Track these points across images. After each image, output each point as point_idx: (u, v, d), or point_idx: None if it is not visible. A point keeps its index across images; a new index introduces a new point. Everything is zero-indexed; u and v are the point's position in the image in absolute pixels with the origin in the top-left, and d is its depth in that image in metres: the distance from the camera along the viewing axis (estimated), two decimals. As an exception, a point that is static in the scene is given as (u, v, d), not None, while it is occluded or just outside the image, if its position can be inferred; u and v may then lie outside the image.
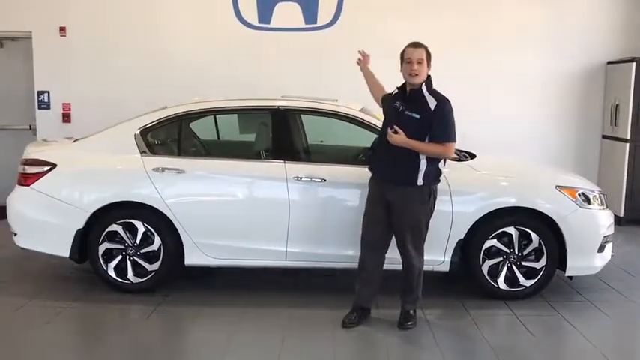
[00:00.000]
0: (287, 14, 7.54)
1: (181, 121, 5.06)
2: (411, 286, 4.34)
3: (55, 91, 7.70)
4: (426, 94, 4.15)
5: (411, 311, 4.37)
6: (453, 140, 4.17)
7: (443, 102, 4.13)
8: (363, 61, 4.79)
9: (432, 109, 4.10)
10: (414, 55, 4.12)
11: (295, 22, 7.56)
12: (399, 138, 4.07)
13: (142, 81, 7.57)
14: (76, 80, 7.69)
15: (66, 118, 7.72)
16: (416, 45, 4.18)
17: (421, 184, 4.16)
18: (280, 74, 7.40)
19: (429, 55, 4.17)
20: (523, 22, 7.56)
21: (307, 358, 3.91)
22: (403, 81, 4.27)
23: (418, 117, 4.09)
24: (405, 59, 4.17)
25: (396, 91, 4.31)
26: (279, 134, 4.97)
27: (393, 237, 4.32)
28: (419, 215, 4.23)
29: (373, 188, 4.30)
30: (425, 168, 4.15)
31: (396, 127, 4.08)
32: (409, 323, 4.31)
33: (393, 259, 4.37)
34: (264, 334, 4.22)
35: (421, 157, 4.14)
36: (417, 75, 4.10)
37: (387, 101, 4.35)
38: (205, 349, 4.06)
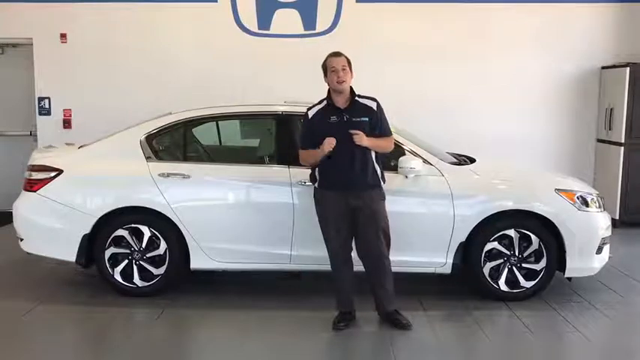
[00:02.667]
0: (286, 21, 7.63)
1: (186, 127, 5.14)
2: (391, 286, 4.39)
3: (55, 97, 7.77)
4: (361, 99, 4.32)
5: (397, 309, 4.44)
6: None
7: (377, 100, 4.34)
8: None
9: (375, 109, 4.30)
10: (337, 63, 4.24)
11: (294, 29, 7.66)
12: (365, 138, 4.16)
13: (142, 87, 7.64)
14: (76, 86, 7.75)
15: (66, 124, 7.79)
16: (336, 54, 4.32)
17: (382, 184, 4.37)
18: (280, 80, 7.48)
19: (349, 62, 4.30)
20: (520, 28, 7.68)
21: (315, 360, 3.99)
22: (329, 91, 4.33)
23: (367, 119, 4.26)
24: (329, 69, 4.26)
25: (321, 105, 4.34)
26: (283, 139, 5.05)
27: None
28: (385, 214, 4.35)
29: (331, 199, 4.31)
30: (380, 169, 4.36)
31: (353, 131, 4.15)
32: (405, 323, 4.36)
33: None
34: (270, 338, 4.28)
35: (375, 160, 4.31)
36: (344, 81, 4.22)
37: (318, 119, 4.31)
38: (214, 352, 4.12)
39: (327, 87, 4.33)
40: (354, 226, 4.32)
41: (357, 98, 4.30)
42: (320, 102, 4.36)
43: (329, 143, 4.15)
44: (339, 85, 4.21)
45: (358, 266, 4.42)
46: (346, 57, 4.30)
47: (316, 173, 4.39)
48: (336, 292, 4.47)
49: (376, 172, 4.33)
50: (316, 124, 4.31)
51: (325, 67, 4.29)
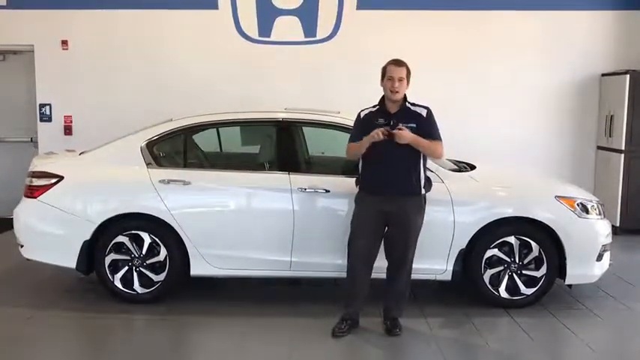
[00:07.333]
0: (287, 28, 7.66)
1: (187, 134, 5.15)
2: (404, 294, 4.45)
3: (56, 103, 7.79)
4: (412, 107, 4.36)
5: (399, 318, 4.47)
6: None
7: (429, 108, 4.38)
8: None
9: (425, 116, 4.33)
10: (395, 73, 4.27)
11: (295, 36, 7.68)
12: (407, 134, 4.18)
13: (143, 94, 7.66)
14: (77, 93, 7.77)
15: (67, 130, 7.80)
16: (398, 63, 4.33)
17: (423, 192, 4.36)
18: (281, 87, 7.51)
19: (409, 72, 4.33)
20: (520, 36, 7.70)
21: (314, 367, 3.99)
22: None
23: (415, 126, 4.27)
24: (386, 76, 4.31)
25: (374, 109, 4.39)
26: (284, 146, 5.06)
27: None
28: (419, 223, 4.39)
29: (368, 202, 4.35)
30: (423, 176, 4.35)
31: (400, 125, 4.18)
32: (397, 330, 4.39)
33: (377, 267, 4.45)
34: (270, 345, 4.27)
35: (420, 166, 4.31)
36: (397, 92, 4.25)
37: (367, 120, 4.37)
38: (214, 359, 4.12)
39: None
40: (383, 231, 4.35)
41: (408, 105, 4.33)
42: (374, 106, 4.41)
43: (377, 133, 4.16)
44: (392, 95, 4.26)
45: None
46: (407, 67, 4.32)
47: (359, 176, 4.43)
48: (346, 294, 4.48)
49: (419, 180, 4.31)
50: (365, 124, 4.36)
51: (383, 72, 4.33)
